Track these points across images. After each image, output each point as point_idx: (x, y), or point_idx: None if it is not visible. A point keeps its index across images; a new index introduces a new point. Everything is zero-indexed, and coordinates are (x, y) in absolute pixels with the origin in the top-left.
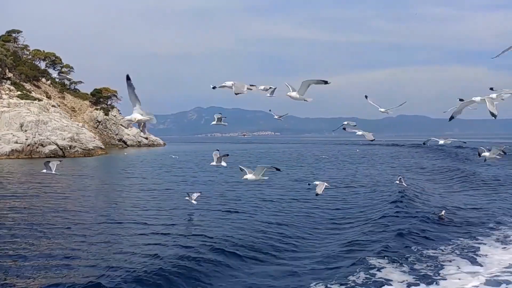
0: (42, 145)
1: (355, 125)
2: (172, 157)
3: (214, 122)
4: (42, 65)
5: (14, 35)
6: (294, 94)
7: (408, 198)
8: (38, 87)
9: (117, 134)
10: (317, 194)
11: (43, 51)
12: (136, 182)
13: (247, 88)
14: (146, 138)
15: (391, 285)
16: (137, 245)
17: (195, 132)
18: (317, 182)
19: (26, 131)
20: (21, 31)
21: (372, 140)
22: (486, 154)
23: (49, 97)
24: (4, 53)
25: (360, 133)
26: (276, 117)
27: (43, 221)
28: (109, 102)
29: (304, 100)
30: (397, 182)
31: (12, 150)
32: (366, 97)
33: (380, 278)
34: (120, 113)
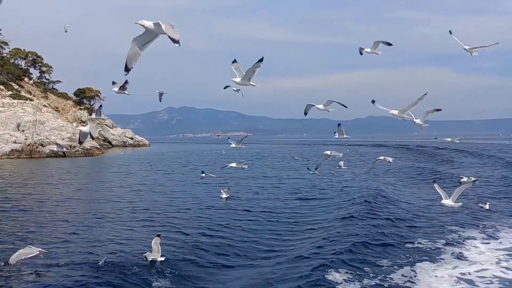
0: (42, 145)
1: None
2: (223, 153)
3: (115, 89)
4: (22, 64)
5: None
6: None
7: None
8: (22, 86)
9: (101, 135)
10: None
11: (24, 50)
12: (180, 178)
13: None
14: (132, 138)
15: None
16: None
17: (166, 132)
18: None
19: (23, 131)
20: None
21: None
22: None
23: (34, 97)
24: None
25: (246, 166)
26: (234, 89)
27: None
28: (92, 102)
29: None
30: (338, 167)
31: (12, 150)
32: (373, 102)
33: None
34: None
